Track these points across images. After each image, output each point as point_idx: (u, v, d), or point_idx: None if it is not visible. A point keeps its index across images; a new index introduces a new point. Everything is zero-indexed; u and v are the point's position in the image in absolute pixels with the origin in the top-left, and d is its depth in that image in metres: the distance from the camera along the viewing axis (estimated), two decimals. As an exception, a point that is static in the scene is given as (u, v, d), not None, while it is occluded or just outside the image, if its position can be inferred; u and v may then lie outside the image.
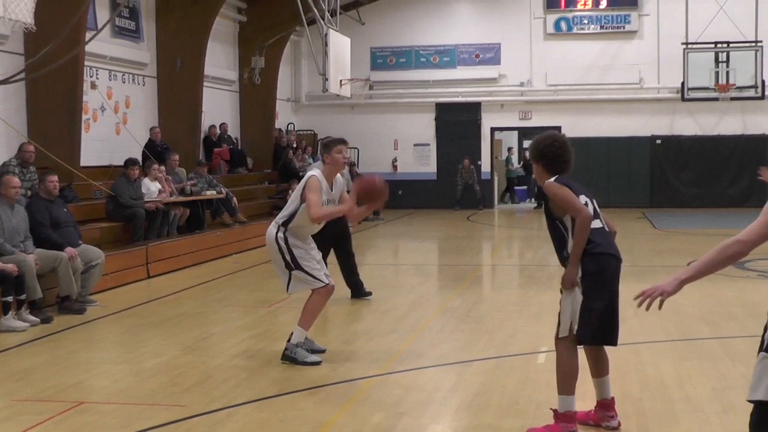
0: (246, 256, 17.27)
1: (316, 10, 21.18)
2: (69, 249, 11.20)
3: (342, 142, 8.44)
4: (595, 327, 5.96)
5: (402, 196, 28.55)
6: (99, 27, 16.14)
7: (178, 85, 20.65)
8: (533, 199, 30.95)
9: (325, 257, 10.28)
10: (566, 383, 6.00)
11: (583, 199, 6.00)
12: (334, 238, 11.49)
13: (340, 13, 22.85)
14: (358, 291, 12.04)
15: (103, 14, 17.81)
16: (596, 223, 5.99)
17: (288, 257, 8.15)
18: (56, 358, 8.91)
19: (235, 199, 18.86)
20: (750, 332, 8.40)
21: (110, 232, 14.87)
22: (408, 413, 6.74)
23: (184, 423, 6.52)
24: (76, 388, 7.68)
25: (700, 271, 4.09)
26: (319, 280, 8.23)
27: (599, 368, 6.22)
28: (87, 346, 9.65)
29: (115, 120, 19.02)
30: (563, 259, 6.09)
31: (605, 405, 6.26)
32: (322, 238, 9.60)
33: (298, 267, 8.14)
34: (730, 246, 4.04)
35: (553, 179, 6.04)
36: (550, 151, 6.14)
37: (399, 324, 10.33)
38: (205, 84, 21.68)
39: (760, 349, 3.93)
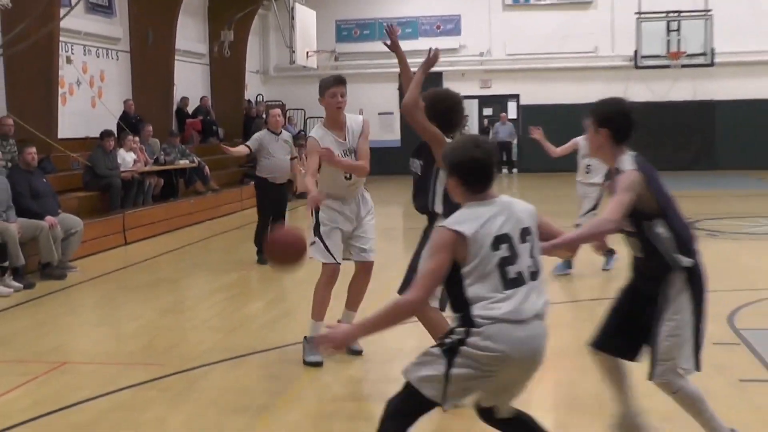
0: (218, 222, 17.71)
1: (283, -16, 21.48)
2: (49, 218, 11.48)
3: (336, 82, 7.03)
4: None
5: (367, 163, 28.87)
6: (73, 3, 16.44)
7: (150, 59, 20.87)
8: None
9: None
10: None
11: None
12: (278, 204, 12.23)
13: (306, -13, 23.15)
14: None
15: (76, -10, 18.03)
16: None
17: (315, 220, 7.31)
18: (39, 321, 9.22)
19: (207, 168, 19.16)
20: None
21: (88, 202, 15.15)
22: (373, 370, 7.11)
23: (163, 381, 6.77)
24: (58, 349, 7.94)
25: (374, 327, 3.92)
26: (331, 255, 7.23)
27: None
28: (68, 311, 9.99)
29: (90, 93, 19.33)
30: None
31: None
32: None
33: (318, 234, 7.22)
34: (400, 307, 3.85)
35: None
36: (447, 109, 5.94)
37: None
38: (176, 57, 21.90)
39: (440, 346, 3.86)
